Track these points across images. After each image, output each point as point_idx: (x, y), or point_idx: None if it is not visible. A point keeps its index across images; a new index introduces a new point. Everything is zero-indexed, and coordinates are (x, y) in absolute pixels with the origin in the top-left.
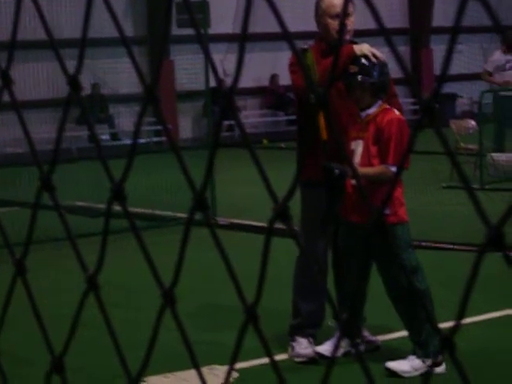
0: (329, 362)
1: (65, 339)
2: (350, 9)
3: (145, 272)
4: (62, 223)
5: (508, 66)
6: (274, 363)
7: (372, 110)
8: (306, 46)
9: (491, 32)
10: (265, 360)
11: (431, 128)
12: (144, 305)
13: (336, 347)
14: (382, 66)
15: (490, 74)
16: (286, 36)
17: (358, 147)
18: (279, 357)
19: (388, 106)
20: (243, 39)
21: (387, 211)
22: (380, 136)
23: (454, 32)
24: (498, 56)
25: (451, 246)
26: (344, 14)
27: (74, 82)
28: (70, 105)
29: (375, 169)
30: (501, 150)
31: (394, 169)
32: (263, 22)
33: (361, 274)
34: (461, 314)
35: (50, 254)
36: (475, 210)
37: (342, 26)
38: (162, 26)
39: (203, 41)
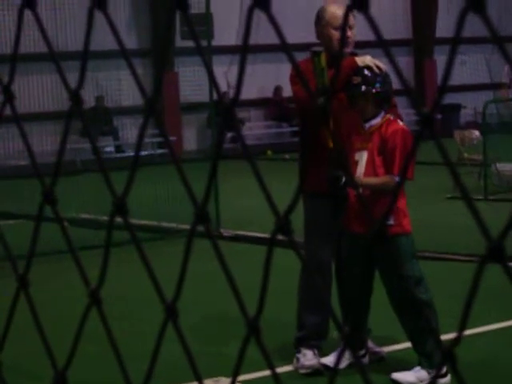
0: (331, 373)
1: (68, 353)
2: (352, 21)
3: (148, 284)
4: (63, 236)
5: None
6: (275, 376)
7: (376, 121)
8: (318, 49)
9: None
10: (269, 372)
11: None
12: (147, 317)
13: (339, 359)
14: (385, 76)
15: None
16: (284, 47)
17: (362, 158)
18: (284, 368)
19: (392, 117)
20: (244, 51)
21: (391, 222)
22: (385, 146)
23: (455, 43)
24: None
25: (455, 257)
26: (346, 26)
27: (75, 95)
28: (72, 118)
29: (380, 179)
30: None
31: (396, 178)
32: (266, 33)
33: (363, 285)
34: (462, 326)
35: (53, 267)
36: (475, 221)
37: (344, 37)
38: (164, 38)
39: (203, 54)
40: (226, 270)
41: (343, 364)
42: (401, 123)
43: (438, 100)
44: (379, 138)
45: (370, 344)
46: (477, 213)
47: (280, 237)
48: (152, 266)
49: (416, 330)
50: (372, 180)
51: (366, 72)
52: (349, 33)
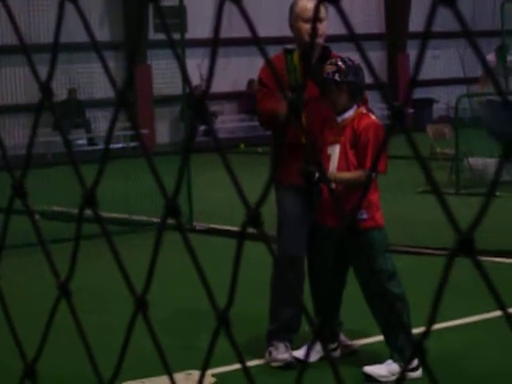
0: (301, 366)
1: (37, 345)
2: (323, 14)
3: (119, 277)
4: (34, 229)
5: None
6: (245, 368)
7: (348, 114)
8: (290, 47)
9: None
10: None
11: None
12: (121, 310)
13: (308, 352)
14: (358, 68)
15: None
16: (257, 42)
17: (334, 152)
18: (257, 361)
19: (365, 111)
20: (215, 44)
21: (364, 216)
22: (357, 140)
23: (425, 37)
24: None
25: (427, 251)
26: (316, 19)
27: (45, 88)
28: (44, 111)
29: (353, 173)
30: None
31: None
32: (240, 26)
33: (336, 279)
34: (431, 319)
35: (23, 260)
36: (445, 215)
37: (314, 29)
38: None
39: (175, 47)
40: (195, 262)
41: (315, 357)
42: (373, 117)
43: (409, 94)
44: (352, 131)
45: (342, 337)
46: (446, 206)
47: (252, 230)
48: (122, 259)
49: (388, 323)
50: (345, 175)
51: (340, 62)
52: (319, 25)
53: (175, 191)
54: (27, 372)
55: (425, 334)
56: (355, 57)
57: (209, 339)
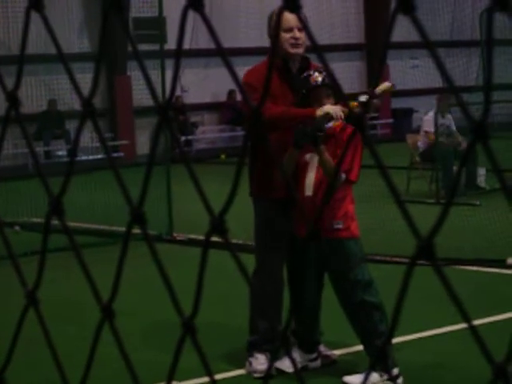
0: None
1: (5, 355)
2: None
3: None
4: (2, 240)
5: (441, 129)
6: (212, 378)
7: (331, 123)
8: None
9: (446, 47)
10: (224, 375)
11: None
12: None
13: (271, 364)
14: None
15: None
16: (220, 53)
17: (313, 160)
18: (237, 372)
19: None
20: (178, 53)
21: (340, 226)
22: (338, 145)
23: (385, 46)
24: (433, 117)
25: (404, 260)
26: (279, 28)
27: (12, 98)
28: (22, 122)
29: (332, 164)
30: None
31: (343, 175)
32: (220, 37)
33: (314, 288)
34: (393, 325)
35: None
36: (406, 222)
37: (276, 39)
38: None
39: (139, 58)
40: (160, 269)
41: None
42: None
43: (368, 102)
44: (334, 143)
45: (322, 347)
46: (406, 213)
47: (235, 240)
48: (103, 270)
49: (366, 333)
50: (328, 158)
51: (317, 73)
52: (298, 34)
53: (141, 199)
54: None
55: (387, 340)
56: (336, 65)
57: (190, 351)
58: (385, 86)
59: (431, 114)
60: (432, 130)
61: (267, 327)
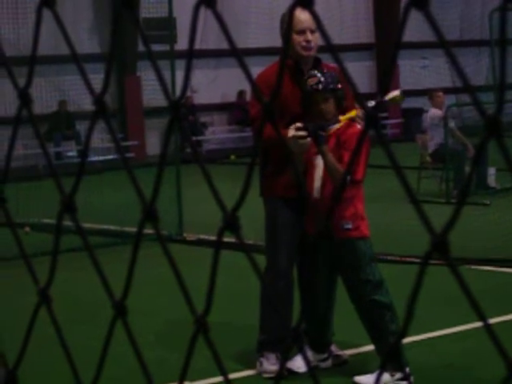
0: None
1: (18, 353)
2: (315, 25)
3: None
4: (16, 241)
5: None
6: (225, 377)
7: (334, 123)
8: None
9: (455, 46)
10: (234, 375)
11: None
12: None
13: (282, 364)
14: (335, 77)
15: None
16: (233, 51)
17: (320, 161)
18: (247, 372)
19: (351, 121)
20: (190, 51)
21: (349, 226)
22: (341, 148)
23: (397, 44)
24: (436, 112)
25: (416, 260)
26: (291, 26)
27: (23, 94)
28: (37, 123)
29: (337, 165)
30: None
31: (348, 177)
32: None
33: (326, 288)
34: (406, 323)
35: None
36: (421, 221)
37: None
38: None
39: (153, 58)
40: (174, 269)
41: (306, 368)
42: (359, 126)
43: (381, 99)
44: (336, 140)
45: (333, 347)
46: (421, 211)
47: (249, 240)
48: (114, 270)
49: (377, 332)
50: (332, 159)
51: (319, 74)
52: (310, 37)
53: (153, 197)
54: (8, 379)
55: (400, 338)
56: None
57: (205, 349)
58: (394, 94)
59: (433, 110)
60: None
61: (278, 326)
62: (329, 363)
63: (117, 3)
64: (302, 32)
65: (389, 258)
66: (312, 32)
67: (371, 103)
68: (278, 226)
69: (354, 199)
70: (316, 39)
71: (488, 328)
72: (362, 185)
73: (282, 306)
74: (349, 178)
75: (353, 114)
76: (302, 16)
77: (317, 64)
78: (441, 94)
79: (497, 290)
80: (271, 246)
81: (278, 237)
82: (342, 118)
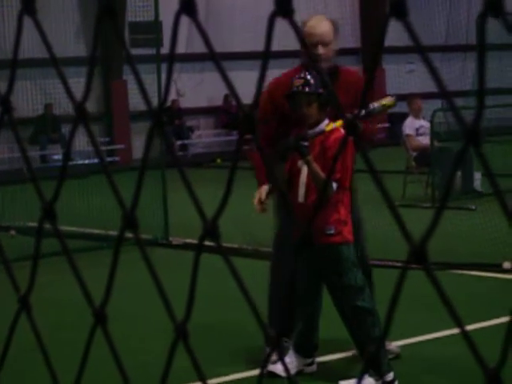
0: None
1: None
2: (329, 38)
3: (95, 292)
4: None
5: (421, 130)
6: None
7: (319, 128)
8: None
9: (441, 51)
10: (221, 379)
11: (386, 147)
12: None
13: (265, 363)
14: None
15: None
16: (212, 57)
17: (304, 167)
18: (235, 376)
19: (336, 126)
20: (171, 58)
21: (332, 231)
22: (325, 154)
23: (377, 51)
24: (411, 122)
25: (400, 265)
26: (271, 35)
27: (5, 101)
28: (16, 126)
29: (321, 175)
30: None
31: (334, 185)
32: (215, 41)
33: (313, 293)
34: (385, 331)
35: None
36: (398, 227)
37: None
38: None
39: (132, 62)
40: (154, 275)
41: (292, 371)
42: (342, 131)
43: (362, 106)
44: (320, 145)
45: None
46: (398, 217)
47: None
48: (99, 274)
49: (359, 337)
50: (317, 169)
51: (308, 76)
52: (321, 50)
53: (133, 203)
54: None
55: (380, 345)
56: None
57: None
58: (387, 100)
59: (409, 119)
60: (413, 133)
61: (282, 326)
62: (314, 368)
63: (99, 9)
64: (314, 45)
65: (376, 262)
66: (325, 45)
67: (362, 112)
68: (283, 234)
69: (337, 204)
70: (329, 51)
71: (465, 334)
72: (348, 190)
73: (284, 311)
74: (336, 185)
75: (338, 124)
76: (318, 30)
77: (334, 70)
78: (418, 100)
79: (483, 295)
80: (274, 254)
81: (282, 245)
82: (326, 128)
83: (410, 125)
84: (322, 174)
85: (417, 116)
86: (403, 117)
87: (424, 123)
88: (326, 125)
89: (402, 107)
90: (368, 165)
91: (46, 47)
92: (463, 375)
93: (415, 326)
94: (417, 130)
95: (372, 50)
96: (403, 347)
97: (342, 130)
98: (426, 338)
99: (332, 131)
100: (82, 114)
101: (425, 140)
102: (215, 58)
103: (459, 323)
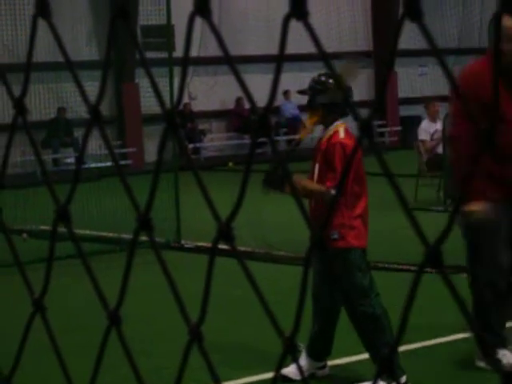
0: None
1: (13, 361)
2: None
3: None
4: (10, 248)
5: (436, 135)
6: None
7: (325, 133)
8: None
9: (454, 54)
10: (234, 382)
11: (398, 150)
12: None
13: (278, 367)
14: (324, 87)
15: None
16: (227, 59)
17: (315, 169)
18: (247, 379)
19: (340, 129)
20: (185, 60)
21: (335, 236)
22: (326, 158)
23: (392, 52)
24: (427, 126)
25: (412, 268)
26: (285, 36)
27: (19, 104)
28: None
29: (318, 188)
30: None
31: (332, 191)
32: (228, 45)
33: (327, 297)
34: (399, 334)
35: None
36: (413, 229)
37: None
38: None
39: (147, 65)
40: (168, 277)
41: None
42: (342, 135)
43: (376, 108)
44: (321, 150)
45: None
46: (414, 220)
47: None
48: (112, 277)
49: (370, 341)
50: (310, 186)
51: (314, 84)
52: None
53: (148, 205)
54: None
55: (393, 349)
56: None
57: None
58: (344, 66)
59: (424, 122)
60: (427, 138)
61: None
62: (326, 371)
63: (112, 12)
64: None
65: (387, 266)
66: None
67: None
68: None
69: (341, 208)
70: None
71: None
72: (354, 194)
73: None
74: (333, 192)
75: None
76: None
77: None
78: (436, 104)
79: None
80: None
81: None
82: (307, 124)
83: (426, 129)
84: (315, 187)
85: (433, 119)
86: (416, 120)
87: (439, 127)
88: (333, 129)
89: (415, 110)
90: (383, 168)
91: (61, 51)
92: (479, 376)
93: (427, 328)
94: (432, 135)
95: (386, 51)
96: (415, 350)
97: (341, 134)
98: (439, 342)
99: (330, 137)
100: (96, 117)
101: (439, 148)
102: (229, 60)
103: (472, 326)
